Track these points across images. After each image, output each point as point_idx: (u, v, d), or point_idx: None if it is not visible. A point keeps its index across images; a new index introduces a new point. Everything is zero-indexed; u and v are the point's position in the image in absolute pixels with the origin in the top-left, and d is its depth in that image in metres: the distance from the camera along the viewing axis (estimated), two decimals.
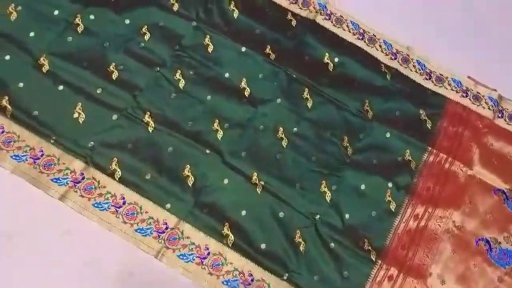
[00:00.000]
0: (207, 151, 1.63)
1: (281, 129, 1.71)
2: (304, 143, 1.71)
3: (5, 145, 1.54)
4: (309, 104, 1.78)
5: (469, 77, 1.93)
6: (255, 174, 1.63)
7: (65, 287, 1.44)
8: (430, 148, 1.77)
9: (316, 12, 1.94)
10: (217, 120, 1.68)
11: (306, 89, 1.79)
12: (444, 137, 1.80)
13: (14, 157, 1.53)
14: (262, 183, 1.62)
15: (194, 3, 1.87)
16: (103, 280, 1.46)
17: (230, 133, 1.68)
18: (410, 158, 1.75)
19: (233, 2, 1.90)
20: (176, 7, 1.85)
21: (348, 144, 1.73)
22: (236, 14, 1.89)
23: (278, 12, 1.93)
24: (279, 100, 1.76)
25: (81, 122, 1.61)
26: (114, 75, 1.70)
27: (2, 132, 1.56)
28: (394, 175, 1.71)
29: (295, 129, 1.73)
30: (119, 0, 1.83)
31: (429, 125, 1.81)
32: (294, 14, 1.93)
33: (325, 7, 1.96)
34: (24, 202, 1.50)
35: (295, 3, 1.95)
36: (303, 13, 1.94)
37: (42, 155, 1.54)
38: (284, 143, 1.70)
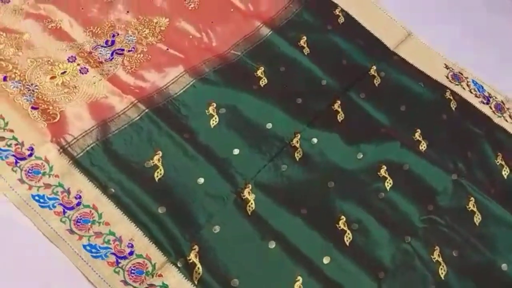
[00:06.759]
0: None
1: None
2: None
3: None
4: None
5: None
6: None
7: None
8: None
9: None
10: None
11: None
12: None
13: None
14: None
15: (449, 147, 1.33)
16: None
17: None
18: None
19: (500, 155, 1.35)
20: (423, 146, 1.31)
21: None
22: (506, 172, 1.33)
23: None
24: None
25: None
26: (347, 238, 1.11)
27: None
28: None
29: None
30: (350, 123, 1.31)
31: None
32: None
33: None
34: None
35: None
36: None
37: None
38: None
